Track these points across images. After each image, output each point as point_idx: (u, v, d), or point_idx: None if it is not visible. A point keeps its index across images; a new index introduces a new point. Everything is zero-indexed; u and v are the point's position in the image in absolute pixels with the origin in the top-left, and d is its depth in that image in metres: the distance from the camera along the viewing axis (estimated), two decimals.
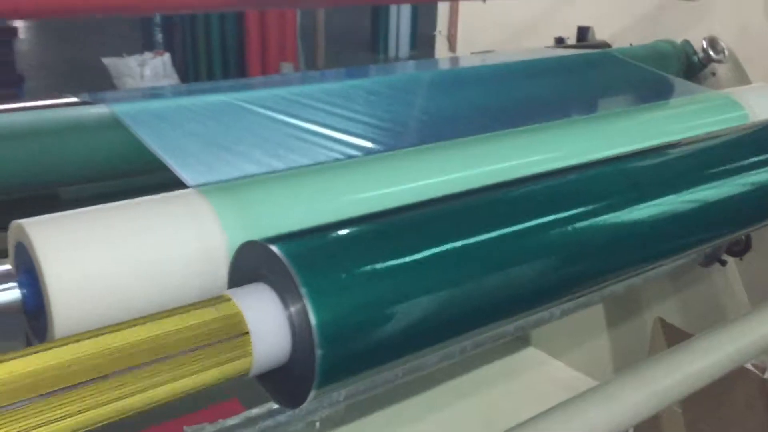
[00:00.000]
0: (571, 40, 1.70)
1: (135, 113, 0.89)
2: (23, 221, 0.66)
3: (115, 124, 0.89)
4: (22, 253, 0.67)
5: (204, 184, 0.76)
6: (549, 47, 1.66)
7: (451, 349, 0.92)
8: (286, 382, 0.65)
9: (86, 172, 1.00)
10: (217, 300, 0.62)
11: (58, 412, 0.53)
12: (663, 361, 1.06)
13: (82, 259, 0.65)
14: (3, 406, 0.50)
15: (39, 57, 6.96)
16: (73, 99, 1.04)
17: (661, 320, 1.49)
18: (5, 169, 0.90)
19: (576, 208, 0.83)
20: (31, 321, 0.67)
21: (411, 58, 7.61)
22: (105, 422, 0.55)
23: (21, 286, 0.65)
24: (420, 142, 0.96)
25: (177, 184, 0.77)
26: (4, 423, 0.50)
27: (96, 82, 5.57)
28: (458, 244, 0.72)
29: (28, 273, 0.65)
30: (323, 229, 0.69)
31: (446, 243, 0.71)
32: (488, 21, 1.88)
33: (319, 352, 0.60)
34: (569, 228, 0.81)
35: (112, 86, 5.21)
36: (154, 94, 1.15)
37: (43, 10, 0.68)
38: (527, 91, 1.22)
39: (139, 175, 1.01)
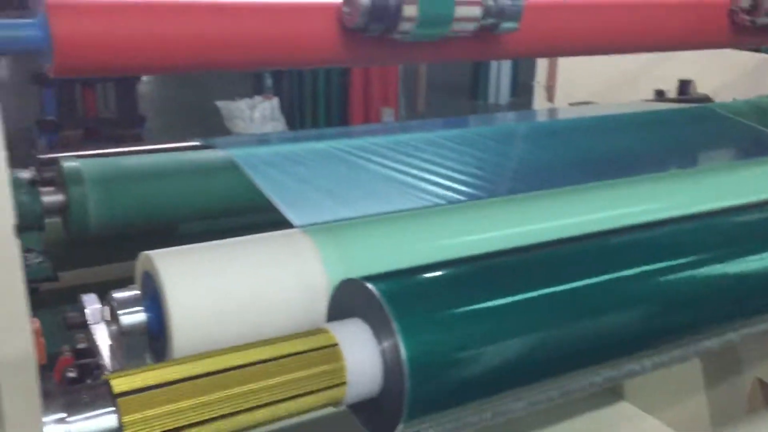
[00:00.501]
0: (672, 93, 1.69)
1: (248, 157, 0.97)
2: (151, 252, 0.74)
3: (229, 166, 0.97)
4: (148, 281, 0.75)
5: (308, 225, 0.83)
6: (649, 100, 1.66)
7: (539, 396, 0.93)
8: (376, 413, 0.69)
9: (203, 210, 1.10)
10: (318, 332, 0.68)
11: (170, 424, 0.59)
12: (759, 422, 1.03)
13: (200, 289, 0.72)
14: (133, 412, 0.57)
15: (159, 99, 7.45)
16: (193, 143, 1.14)
17: (760, 381, 1.43)
18: (133, 206, 1.01)
19: (670, 260, 0.84)
20: (152, 342, 0.74)
21: (510, 105, 7.64)
22: None
23: (146, 310, 0.73)
24: (514, 192, 0.99)
25: (284, 223, 0.83)
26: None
27: (209, 123, 5.89)
28: (548, 290, 0.74)
29: (153, 299, 0.73)
30: (417, 271, 0.74)
31: (536, 288, 0.74)
32: (587, 72, 1.90)
33: (408, 385, 0.64)
34: (662, 279, 0.82)
35: (224, 127, 5.50)
36: (264, 140, 1.24)
37: (168, 67, 0.77)
38: (624, 145, 1.24)
39: (250, 214, 1.09)
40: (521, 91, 7.41)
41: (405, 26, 0.83)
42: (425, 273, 0.73)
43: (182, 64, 0.74)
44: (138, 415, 0.57)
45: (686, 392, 1.65)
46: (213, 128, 5.56)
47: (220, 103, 5.61)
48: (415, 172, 1.00)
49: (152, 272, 0.73)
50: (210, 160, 1.12)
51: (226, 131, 5.45)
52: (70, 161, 0.95)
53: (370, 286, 0.68)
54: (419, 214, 0.91)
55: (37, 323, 0.57)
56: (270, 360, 0.64)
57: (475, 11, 0.87)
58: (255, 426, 0.63)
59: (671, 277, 0.83)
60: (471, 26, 0.88)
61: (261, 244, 0.79)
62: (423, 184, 0.98)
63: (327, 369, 0.65)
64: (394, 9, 0.81)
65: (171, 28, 0.73)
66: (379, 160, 1.02)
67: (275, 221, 0.83)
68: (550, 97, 2.03)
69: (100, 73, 0.73)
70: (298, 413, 0.66)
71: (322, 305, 0.76)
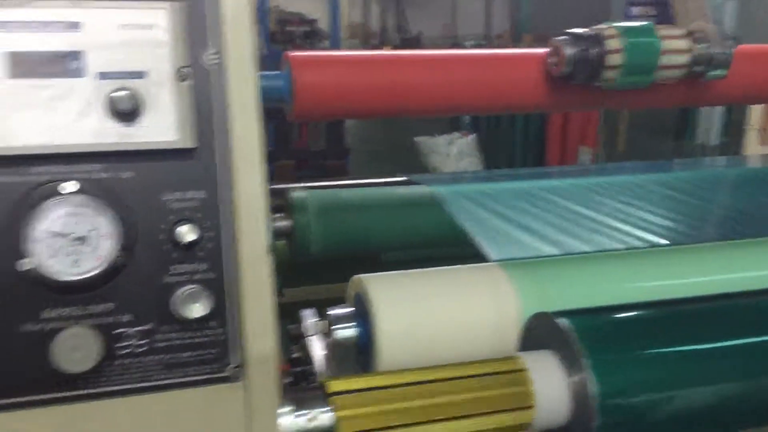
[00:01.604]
0: None
1: (449, 194, 1.05)
2: (363, 276, 0.84)
3: (431, 202, 1.05)
4: (359, 301, 0.84)
5: (504, 260, 0.88)
6: None
7: None
8: None
9: (404, 240, 1.19)
10: (509, 360, 0.73)
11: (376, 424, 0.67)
12: None
13: (404, 311, 0.80)
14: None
15: (362, 133, 7.90)
16: (400, 179, 1.24)
17: None
18: (346, 233, 1.12)
19: None
20: (360, 355, 0.83)
21: (721, 147, 7.14)
22: None
23: (357, 326, 0.82)
24: (713, 239, 0.97)
25: (480, 256, 0.89)
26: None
27: (407, 157, 6.14)
28: (745, 340, 0.73)
29: (363, 317, 0.82)
30: (609, 310, 0.76)
31: (736, 337, 0.73)
32: None
33: (595, 423, 0.67)
34: None
35: (421, 162, 5.71)
36: (465, 178, 1.31)
37: (390, 112, 0.87)
38: None
39: (448, 246, 1.17)
40: (734, 131, 6.91)
41: (609, 74, 0.86)
42: (618, 312, 0.75)
43: (404, 110, 0.84)
44: (350, 414, 0.65)
45: None
46: (411, 162, 5.79)
47: (419, 139, 5.84)
48: (613, 214, 1.02)
49: (363, 294, 0.82)
50: (414, 195, 1.21)
51: (423, 165, 5.65)
52: (298, 191, 1.09)
53: (561, 320, 0.71)
54: (615, 255, 0.92)
55: None
56: (463, 384, 0.70)
57: (682, 60, 0.88)
58: None
59: None
60: (677, 74, 0.89)
61: (460, 275, 0.86)
62: (620, 226, 0.99)
63: (515, 396, 0.70)
64: (598, 59, 0.85)
65: (394, 78, 0.83)
66: (577, 200, 1.05)
67: (472, 254, 0.89)
68: (765, 141, 1.91)
69: (330, 117, 0.84)
70: None
71: (514, 336, 0.81)
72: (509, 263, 0.87)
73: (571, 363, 0.70)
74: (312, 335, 0.90)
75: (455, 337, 0.81)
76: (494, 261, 0.87)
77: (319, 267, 1.16)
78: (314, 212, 1.07)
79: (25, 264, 0.53)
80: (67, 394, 0.56)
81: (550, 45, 0.87)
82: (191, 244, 0.56)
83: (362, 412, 0.65)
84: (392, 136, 7.45)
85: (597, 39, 0.84)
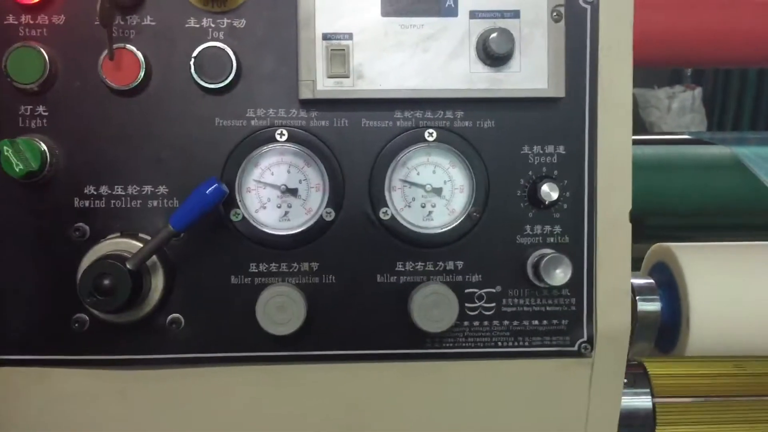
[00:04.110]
0: None
1: (756, 157, 0.92)
2: (672, 245, 0.76)
3: (729, 164, 0.94)
4: (661, 270, 0.76)
5: None
6: None
7: None
8: None
9: (674, 205, 1.08)
10: None
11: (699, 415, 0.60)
12: None
13: (721, 288, 0.72)
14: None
15: None
16: (685, 137, 1.13)
17: None
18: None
19: None
20: (661, 332, 0.76)
21: None
22: None
23: (660, 299, 0.75)
24: None
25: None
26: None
27: None
28: None
29: (667, 289, 0.74)
30: None
31: None
32: None
33: None
34: None
35: (638, 116, 5.34)
36: (747, 139, 1.16)
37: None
38: None
39: (726, 216, 1.05)
40: None
41: None
42: None
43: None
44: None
45: None
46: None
47: (637, 91, 5.45)
48: None
49: (671, 264, 0.75)
50: (689, 156, 1.09)
51: (639, 120, 5.28)
52: None
53: None
54: None
55: None
56: None
57: None
58: None
59: None
60: None
61: None
62: None
63: None
64: None
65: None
66: None
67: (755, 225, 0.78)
68: None
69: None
70: None
71: None
72: None
73: None
74: None
75: None
76: None
77: None
78: None
79: (386, 212, 0.52)
80: (418, 351, 0.54)
81: None
82: (550, 204, 0.52)
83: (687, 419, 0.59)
84: None
85: None
